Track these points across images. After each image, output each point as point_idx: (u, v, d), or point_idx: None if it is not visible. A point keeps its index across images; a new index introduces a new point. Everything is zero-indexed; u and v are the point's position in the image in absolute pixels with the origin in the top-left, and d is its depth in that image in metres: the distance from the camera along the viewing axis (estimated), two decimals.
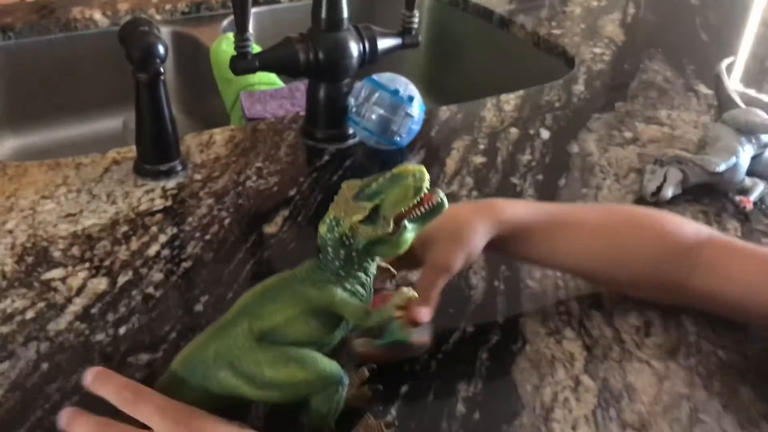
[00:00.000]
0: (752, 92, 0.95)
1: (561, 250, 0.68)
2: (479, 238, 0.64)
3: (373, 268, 0.53)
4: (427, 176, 0.50)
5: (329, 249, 0.51)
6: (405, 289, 0.51)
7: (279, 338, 0.51)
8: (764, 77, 1.24)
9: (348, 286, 0.52)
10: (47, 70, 1.32)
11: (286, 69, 0.91)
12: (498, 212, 0.66)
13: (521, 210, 0.68)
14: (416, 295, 0.51)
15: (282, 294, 0.52)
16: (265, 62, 0.88)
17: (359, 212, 0.49)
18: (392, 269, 0.59)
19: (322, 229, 0.51)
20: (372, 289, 0.55)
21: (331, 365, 0.51)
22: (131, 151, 0.90)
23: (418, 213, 0.51)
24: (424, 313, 0.59)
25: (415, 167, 0.50)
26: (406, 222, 0.51)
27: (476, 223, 0.64)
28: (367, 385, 0.60)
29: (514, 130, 1.02)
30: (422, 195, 0.50)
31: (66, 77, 1.34)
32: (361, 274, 0.53)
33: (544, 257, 0.70)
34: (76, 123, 1.37)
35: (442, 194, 0.52)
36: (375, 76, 0.91)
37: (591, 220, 0.69)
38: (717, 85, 0.99)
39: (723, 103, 0.97)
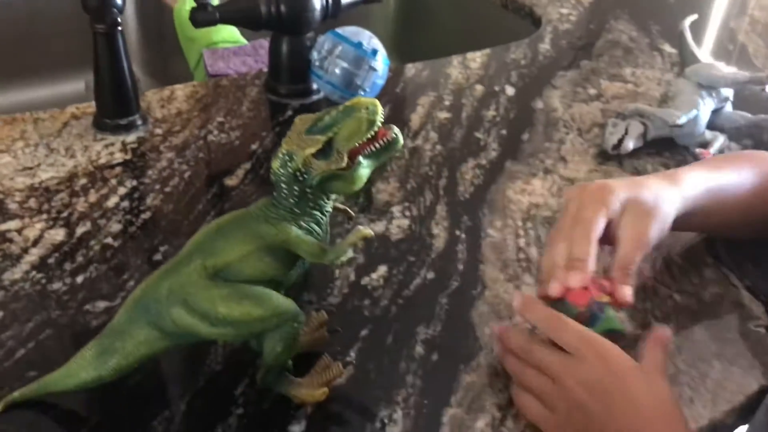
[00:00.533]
0: (722, 65, 0.95)
1: (714, 223, 0.70)
2: (671, 212, 0.63)
3: (329, 207, 0.53)
4: (380, 109, 0.49)
5: (283, 185, 0.51)
6: (361, 228, 0.51)
7: (233, 276, 0.51)
8: (730, 39, 1.25)
9: (303, 224, 0.52)
10: (5, 30, 1.29)
11: (248, 21, 0.89)
12: (683, 188, 0.65)
13: (690, 189, 0.66)
14: (371, 232, 0.51)
15: (236, 231, 0.51)
16: (225, 14, 0.87)
17: (312, 145, 0.49)
18: (350, 210, 0.59)
19: (275, 164, 0.50)
20: (329, 229, 0.54)
21: (286, 302, 0.51)
22: (91, 106, 0.89)
23: (373, 149, 0.50)
24: (628, 293, 0.58)
25: (368, 100, 0.49)
26: (360, 158, 0.50)
27: (667, 197, 0.63)
28: (326, 328, 0.60)
29: (479, 87, 1.01)
30: (376, 129, 0.50)
31: (25, 38, 1.31)
32: (317, 213, 0.53)
33: (695, 228, 0.73)
34: (38, 85, 1.34)
35: (396, 130, 0.51)
36: (338, 30, 0.90)
37: (741, 189, 0.69)
38: (680, 41, 0.99)
39: (685, 58, 0.98)
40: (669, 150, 0.89)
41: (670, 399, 0.52)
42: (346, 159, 0.49)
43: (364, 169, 0.51)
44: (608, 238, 0.61)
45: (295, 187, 0.50)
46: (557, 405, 0.53)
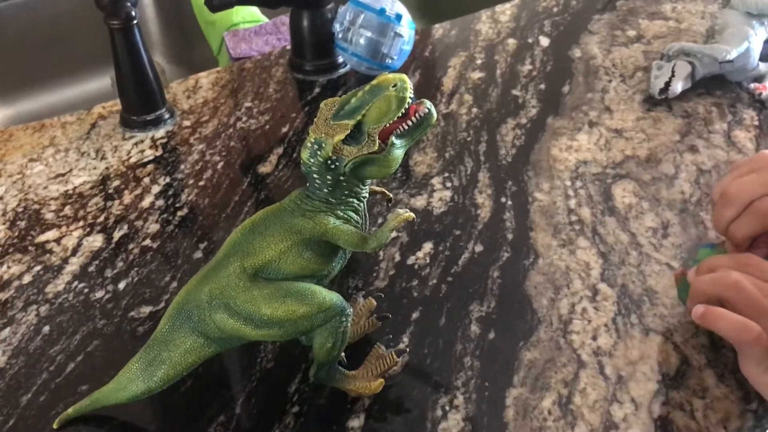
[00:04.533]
0: None
1: None
2: None
3: (365, 192, 0.50)
4: (409, 84, 0.46)
5: (315, 176, 0.48)
6: (401, 210, 0.48)
7: (273, 274, 0.48)
8: None
9: (340, 213, 0.49)
10: (27, 33, 1.28)
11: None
12: None
13: None
14: (413, 215, 0.48)
15: (271, 228, 0.49)
16: None
17: (341, 131, 0.46)
18: (387, 192, 0.56)
19: (305, 154, 0.48)
20: (367, 215, 0.52)
21: (331, 296, 0.48)
22: (117, 104, 0.87)
23: (406, 126, 0.47)
24: None
25: (395, 76, 0.46)
26: (393, 138, 0.47)
27: None
28: (375, 315, 0.57)
29: (511, 41, 0.97)
30: (407, 106, 0.46)
31: (47, 39, 1.30)
32: (353, 200, 0.50)
33: None
34: (65, 85, 1.33)
35: (429, 104, 0.48)
36: None
37: None
38: None
39: None
40: (720, 88, 0.84)
41: None
42: (377, 141, 0.46)
43: (398, 149, 0.47)
44: None
45: (328, 176, 0.48)
46: None
